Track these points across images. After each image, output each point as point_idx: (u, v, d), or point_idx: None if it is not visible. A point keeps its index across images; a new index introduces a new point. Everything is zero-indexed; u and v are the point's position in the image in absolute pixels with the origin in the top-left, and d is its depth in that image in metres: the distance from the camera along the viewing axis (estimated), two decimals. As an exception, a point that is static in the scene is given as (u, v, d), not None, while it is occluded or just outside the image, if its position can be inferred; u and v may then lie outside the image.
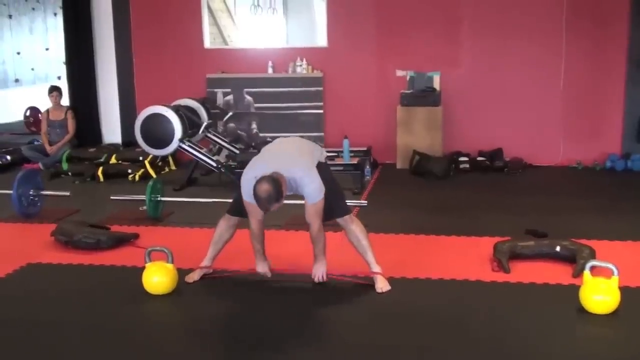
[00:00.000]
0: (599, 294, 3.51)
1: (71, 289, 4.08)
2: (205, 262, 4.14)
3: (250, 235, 3.91)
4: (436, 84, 7.56)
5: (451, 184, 6.76)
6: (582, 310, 3.55)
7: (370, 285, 3.95)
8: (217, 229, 4.12)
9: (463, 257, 4.45)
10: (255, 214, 3.77)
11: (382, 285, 3.90)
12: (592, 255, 4.14)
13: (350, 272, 4.08)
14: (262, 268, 3.99)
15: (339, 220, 3.94)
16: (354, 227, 3.94)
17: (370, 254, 3.96)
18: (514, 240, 4.40)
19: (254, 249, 3.95)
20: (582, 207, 5.73)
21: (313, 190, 3.70)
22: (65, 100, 8.32)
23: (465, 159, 7.33)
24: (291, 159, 3.76)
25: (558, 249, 4.27)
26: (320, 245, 3.86)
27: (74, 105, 8.34)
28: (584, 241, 4.40)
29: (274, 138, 4.51)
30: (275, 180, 3.52)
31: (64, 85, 8.58)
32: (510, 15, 7.43)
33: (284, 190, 3.58)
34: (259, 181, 3.52)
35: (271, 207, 3.57)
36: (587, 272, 3.62)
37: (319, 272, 3.90)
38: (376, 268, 3.95)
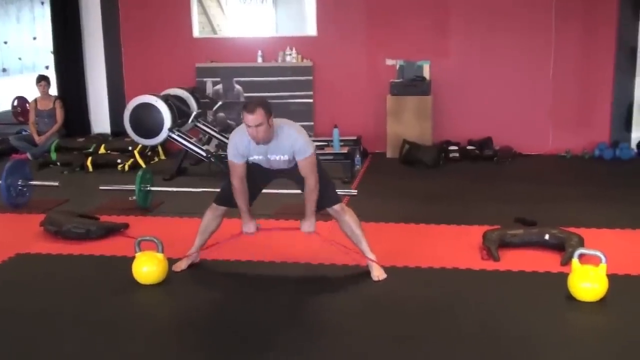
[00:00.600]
0: (587, 282, 3.53)
1: (61, 279, 4.07)
2: (192, 251, 4.15)
3: (234, 195, 3.88)
4: (426, 73, 7.56)
5: (441, 173, 6.77)
6: (570, 297, 3.58)
7: (362, 273, 3.97)
8: (204, 219, 4.13)
9: (453, 246, 4.47)
10: (238, 172, 3.81)
11: (377, 273, 3.91)
12: (581, 243, 4.17)
13: (342, 262, 4.09)
14: (248, 228, 3.95)
15: (330, 210, 3.94)
16: (347, 217, 3.94)
17: (365, 243, 3.98)
18: (503, 228, 4.42)
19: (240, 208, 3.92)
20: (570, 196, 5.76)
21: (303, 144, 3.71)
22: (53, 90, 8.27)
23: (455, 148, 7.35)
24: (279, 120, 3.79)
25: (547, 237, 4.29)
26: (311, 203, 3.81)
27: (62, 95, 8.29)
28: (572, 229, 4.44)
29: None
30: (263, 100, 3.73)
31: (52, 74, 8.52)
32: (500, 3, 7.44)
33: (271, 111, 3.62)
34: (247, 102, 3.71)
35: (257, 110, 3.55)
36: (575, 260, 3.64)
37: (306, 227, 3.86)
38: (371, 256, 3.97)
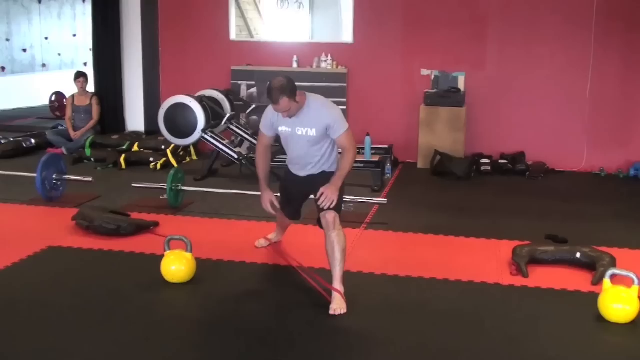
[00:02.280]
0: (619, 303, 3.47)
1: (90, 274, 4.12)
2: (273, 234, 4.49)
3: (256, 160, 4.07)
4: (461, 85, 7.51)
5: (472, 186, 6.72)
6: (600, 318, 3.52)
7: (388, 280, 3.94)
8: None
9: (481, 260, 4.42)
10: (263, 141, 4.00)
11: (337, 306, 3.57)
12: (613, 263, 4.10)
13: (369, 269, 4.08)
14: (264, 202, 4.00)
15: (324, 216, 3.70)
16: (334, 235, 3.67)
17: (339, 270, 3.66)
18: (534, 244, 4.36)
19: (258, 177, 4.04)
20: (603, 215, 5.67)
21: (337, 120, 3.70)
22: (90, 87, 8.39)
23: (487, 161, 7.28)
24: (311, 95, 3.79)
25: (578, 255, 4.23)
26: (342, 171, 3.73)
27: (99, 92, 8.41)
28: (604, 249, 4.36)
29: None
30: (289, 78, 3.66)
31: (90, 71, 8.65)
32: (538, 17, 7.36)
33: (296, 90, 3.64)
34: (274, 78, 3.66)
35: (281, 100, 3.59)
36: (607, 280, 3.58)
37: (328, 192, 3.66)
38: (338, 286, 3.65)
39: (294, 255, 4.18)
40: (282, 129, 3.85)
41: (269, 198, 4.00)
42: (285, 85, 3.62)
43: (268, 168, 4.06)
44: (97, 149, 7.56)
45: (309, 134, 3.77)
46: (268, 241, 4.53)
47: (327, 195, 3.66)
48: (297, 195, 4.10)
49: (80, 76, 8.16)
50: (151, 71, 8.43)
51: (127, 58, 8.49)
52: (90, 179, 5.90)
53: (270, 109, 3.87)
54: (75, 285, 3.92)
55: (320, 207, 3.69)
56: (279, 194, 4.14)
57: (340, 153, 3.88)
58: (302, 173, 3.96)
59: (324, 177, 3.82)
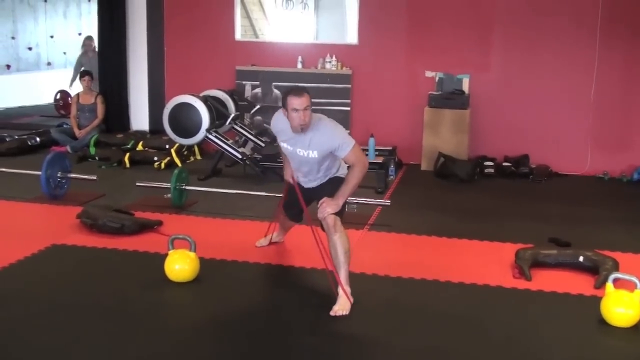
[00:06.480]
0: (621, 307, 3.47)
1: (94, 272, 4.13)
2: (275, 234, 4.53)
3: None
4: (465, 87, 7.51)
5: (475, 188, 6.71)
6: (603, 322, 3.52)
7: (394, 282, 3.94)
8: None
9: (484, 262, 4.43)
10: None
11: (340, 307, 3.54)
12: (616, 267, 4.10)
13: (372, 271, 4.09)
14: (287, 175, 4.11)
15: (326, 219, 3.66)
16: (337, 238, 3.65)
17: (344, 272, 3.65)
18: (537, 247, 4.36)
19: (285, 163, 4.15)
20: (607, 218, 5.66)
21: (342, 141, 3.67)
22: (95, 86, 8.41)
23: (491, 163, 7.27)
24: (316, 115, 3.79)
25: (581, 259, 4.23)
26: (348, 186, 3.69)
27: (104, 91, 8.42)
28: (607, 252, 4.36)
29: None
30: (306, 87, 3.75)
31: (95, 70, 8.67)
32: (543, 21, 7.35)
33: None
34: None
35: (305, 94, 3.63)
36: (609, 284, 3.58)
37: (327, 206, 3.64)
38: (346, 287, 3.64)
39: (295, 255, 4.18)
40: (284, 145, 3.87)
41: (290, 173, 4.04)
42: (306, 88, 3.73)
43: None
44: (102, 148, 7.57)
45: (310, 155, 3.77)
46: (269, 240, 4.56)
47: (325, 208, 3.65)
48: (298, 204, 4.06)
49: (85, 75, 8.18)
50: (156, 70, 8.44)
51: (132, 57, 8.52)
52: (94, 178, 5.91)
53: (276, 119, 3.87)
54: (79, 284, 3.93)
55: (318, 216, 3.70)
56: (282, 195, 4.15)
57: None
58: (308, 185, 3.98)
59: (331, 182, 3.85)
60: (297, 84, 3.66)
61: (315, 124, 3.71)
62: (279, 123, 3.85)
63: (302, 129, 3.66)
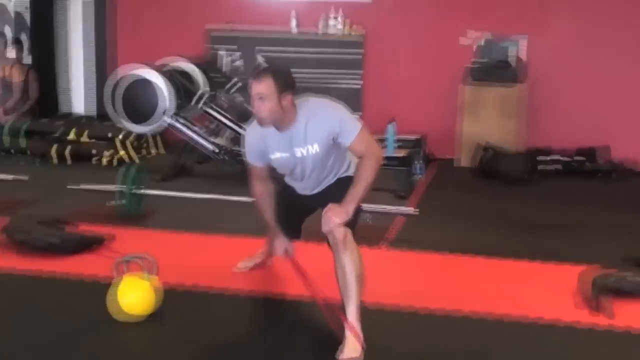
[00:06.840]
0: None
1: (23, 308, 4.07)
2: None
3: (256, 204, 4.14)
4: (517, 55, 7.51)
5: (530, 191, 6.76)
6: None
7: (411, 315, 3.91)
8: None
9: (545, 291, 4.38)
10: (257, 174, 4.04)
11: (350, 351, 3.48)
12: None
13: (389, 301, 4.07)
14: (280, 246, 4.12)
15: (334, 232, 3.62)
16: (346, 258, 3.62)
17: (355, 304, 3.59)
18: (620, 271, 4.34)
19: (266, 222, 4.13)
20: None
21: (345, 122, 3.71)
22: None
23: (554, 157, 7.31)
24: (304, 99, 3.83)
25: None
26: (359, 187, 3.66)
27: (19, 59, 8.39)
28: None
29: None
30: (290, 72, 3.78)
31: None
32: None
33: (288, 86, 3.67)
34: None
35: (264, 79, 3.62)
36: None
37: (333, 216, 3.58)
38: (355, 324, 3.57)
39: (292, 282, 4.16)
40: (276, 156, 3.87)
41: (284, 245, 4.10)
42: (279, 71, 3.73)
43: (272, 207, 4.09)
44: (33, 139, 7.60)
45: (311, 151, 3.78)
46: (252, 262, 4.55)
47: (331, 218, 3.59)
48: (299, 208, 4.10)
49: None
50: (97, 32, 8.40)
51: (62, 10, 8.47)
52: (25, 178, 5.92)
53: (250, 133, 3.94)
54: (2, 326, 3.88)
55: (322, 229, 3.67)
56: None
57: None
58: (312, 192, 4.00)
59: (340, 183, 3.87)
60: (266, 64, 3.63)
61: (301, 110, 3.74)
62: (254, 136, 3.88)
63: (261, 124, 3.73)
